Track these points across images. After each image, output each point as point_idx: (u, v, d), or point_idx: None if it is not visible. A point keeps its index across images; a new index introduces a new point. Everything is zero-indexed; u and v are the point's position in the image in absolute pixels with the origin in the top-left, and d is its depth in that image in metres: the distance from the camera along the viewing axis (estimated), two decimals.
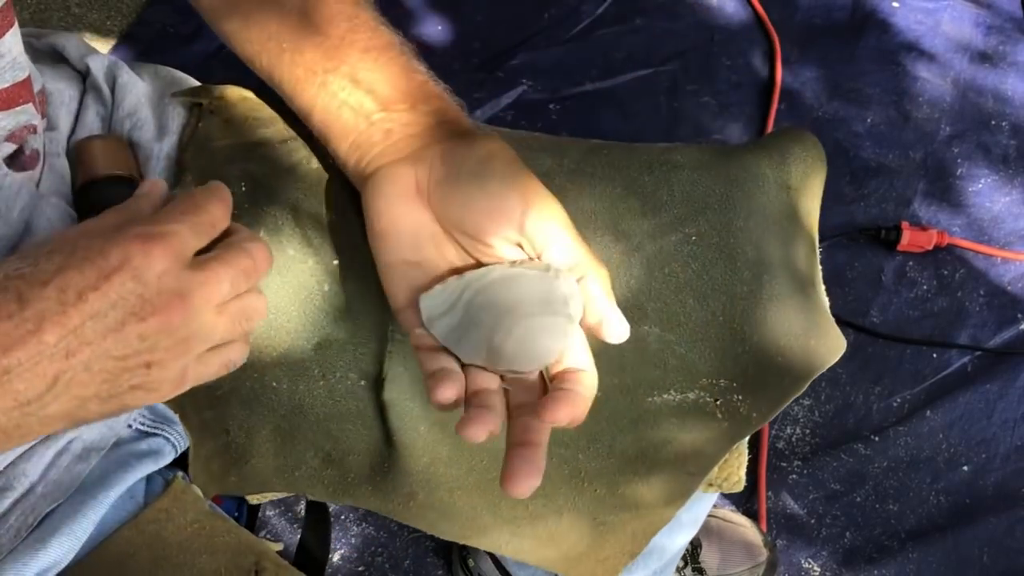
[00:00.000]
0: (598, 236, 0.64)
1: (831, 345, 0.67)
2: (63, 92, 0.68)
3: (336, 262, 0.64)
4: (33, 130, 0.60)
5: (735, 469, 0.71)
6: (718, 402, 0.64)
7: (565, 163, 0.67)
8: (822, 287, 0.70)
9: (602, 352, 0.60)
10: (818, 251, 0.71)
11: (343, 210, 0.65)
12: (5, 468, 0.58)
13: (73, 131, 0.68)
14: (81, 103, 0.69)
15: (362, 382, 0.63)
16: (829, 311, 0.69)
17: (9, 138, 0.58)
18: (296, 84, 0.64)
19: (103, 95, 0.69)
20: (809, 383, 0.66)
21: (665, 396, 0.64)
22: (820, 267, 0.70)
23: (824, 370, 0.67)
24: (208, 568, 0.62)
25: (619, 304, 0.59)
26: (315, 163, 0.66)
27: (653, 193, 0.66)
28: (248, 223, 0.64)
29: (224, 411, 0.64)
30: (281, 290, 0.63)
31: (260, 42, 0.65)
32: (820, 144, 0.70)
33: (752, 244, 0.65)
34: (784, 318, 0.65)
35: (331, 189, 0.66)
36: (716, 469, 0.70)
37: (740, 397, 0.64)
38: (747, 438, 0.69)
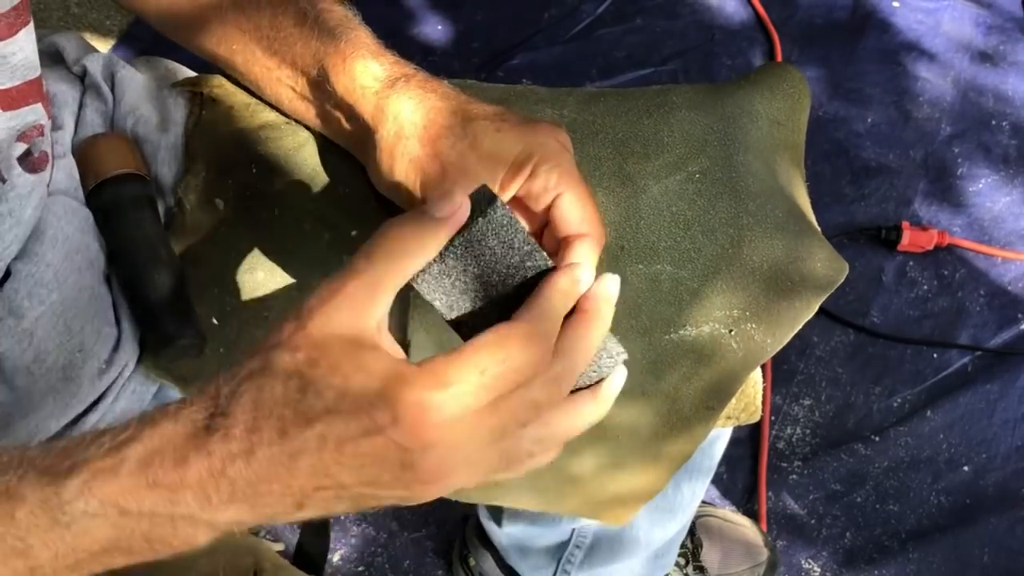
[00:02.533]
0: (604, 181, 0.66)
1: (835, 267, 0.69)
2: (65, 93, 0.68)
3: (354, 233, 0.65)
4: (41, 131, 0.60)
5: (752, 398, 0.72)
6: (732, 332, 0.66)
7: (566, 113, 0.69)
8: (812, 216, 0.73)
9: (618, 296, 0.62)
10: (805, 185, 0.74)
11: (356, 182, 0.67)
12: None
13: (76, 130, 0.68)
14: (81, 103, 0.69)
15: None
16: (825, 238, 0.71)
17: (19, 138, 0.58)
18: (258, 82, 0.67)
19: (102, 93, 0.69)
20: (819, 305, 0.68)
21: (681, 332, 0.66)
22: (813, 214, 0.73)
23: (832, 290, 0.69)
24: (207, 570, 0.62)
25: (631, 246, 0.65)
26: (323, 139, 0.68)
27: (654, 135, 0.68)
28: (263, 204, 0.66)
29: None
30: (300, 265, 0.65)
31: (212, 48, 0.67)
32: (805, 79, 0.73)
33: (753, 176, 0.68)
34: (790, 245, 0.67)
35: (342, 162, 0.67)
36: (733, 401, 0.71)
37: (753, 325, 0.66)
38: (759, 367, 0.70)
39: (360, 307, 0.43)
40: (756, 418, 0.73)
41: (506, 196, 0.57)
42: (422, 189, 0.57)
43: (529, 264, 0.48)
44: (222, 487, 0.41)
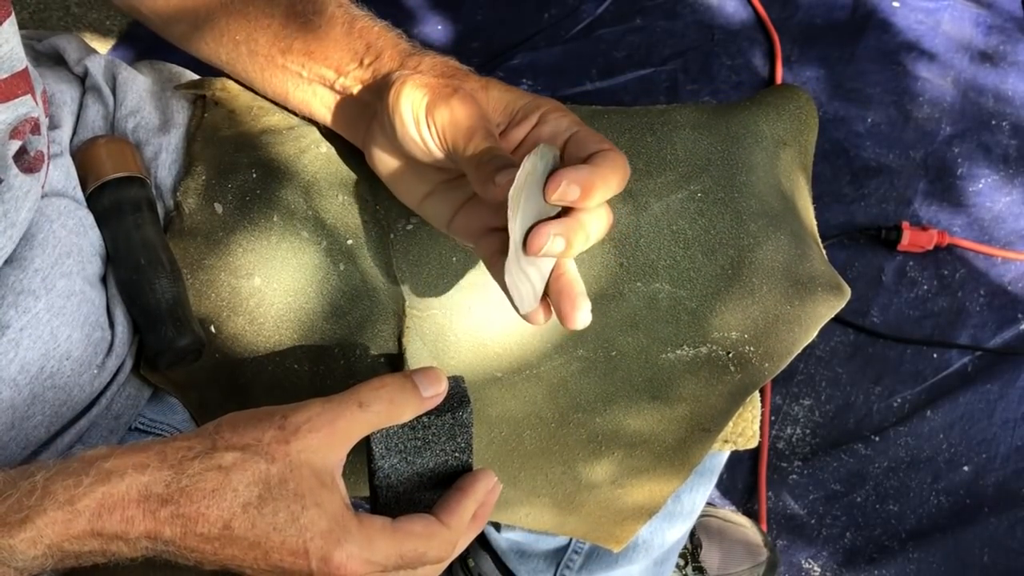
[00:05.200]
0: None
1: (837, 293, 0.69)
2: (64, 93, 0.68)
3: (350, 242, 0.65)
4: (35, 126, 0.60)
5: (749, 423, 0.72)
6: (730, 355, 0.66)
7: None
8: (819, 239, 0.72)
9: (615, 312, 0.62)
10: (812, 207, 0.73)
11: (354, 190, 0.67)
12: None
13: (75, 131, 0.68)
14: (81, 104, 0.69)
15: (381, 359, 0.65)
16: (829, 263, 0.71)
17: (13, 135, 0.58)
18: (262, 73, 0.66)
19: (103, 95, 0.69)
20: (819, 330, 0.68)
21: (679, 352, 0.66)
22: (816, 221, 0.73)
23: (832, 316, 0.68)
24: (204, 570, 0.62)
25: (630, 264, 0.65)
26: (324, 147, 0.68)
27: (657, 153, 0.68)
28: (262, 209, 0.65)
29: (246, 400, 0.64)
30: (297, 272, 0.65)
31: (214, 40, 0.67)
32: (812, 100, 0.73)
33: (756, 198, 0.67)
34: (791, 268, 0.67)
35: (341, 171, 0.67)
36: (730, 424, 0.71)
37: (752, 348, 0.66)
38: (758, 392, 0.70)
39: (338, 447, 0.50)
40: (753, 444, 0.73)
41: (511, 142, 0.58)
42: (428, 109, 0.56)
43: (456, 460, 0.57)
44: (152, 544, 0.47)
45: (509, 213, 0.51)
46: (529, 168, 0.51)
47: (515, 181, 0.50)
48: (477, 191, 0.54)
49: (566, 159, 0.55)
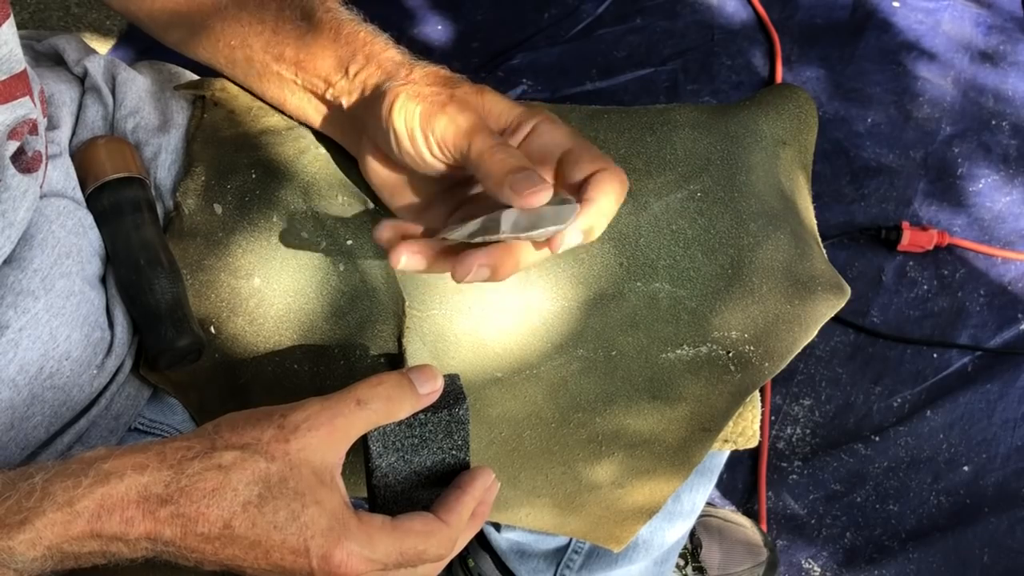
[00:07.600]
0: None
1: (837, 292, 0.69)
2: (64, 93, 0.68)
3: (350, 242, 0.65)
4: (33, 127, 0.60)
5: (749, 423, 0.72)
6: (730, 354, 0.66)
7: None
8: (819, 239, 0.72)
9: (615, 312, 0.62)
10: (812, 207, 0.73)
11: (354, 191, 0.67)
12: None
13: (75, 131, 0.68)
14: (81, 104, 0.69)
15: (381, 359, 0.65)
16: (829, 262, 0.71)
17: (11, 135, 0.58)
18: (259, 80, 0.66)
19: (103, 95, 0.69)
20: (818, 329, 0.68)
21: (679, 351, 0.66)
22: (816, 221, 0.73)
23: (831, 316, 0.68)
24: (204, 570, 0.62)
25: (630, 263, 0.65)
26: (323, 147, 0.68)
27: (656, 152, 0.68)
28: (261, 209, 0.65)
29: (246, 400, 0.64)
30: (297, 272, 0.65)
31: (211, 45, 0.67)
32: (812, 100, 0.73)
33: (755, 197, 0.67)
34: (791, 268, 0.67)
35: (341, 171, 0.67)
36: (731, 424, 0.71)
37: (752, 348, 0.66)
38: (758, 391, 0.70)
39: (337, 445, 0.51)
40: (753, 443, 0.73)
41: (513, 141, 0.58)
42: (424, 121, 0.56)
43: (453, 459, 0.57)
44: (152, 545, 0.47)
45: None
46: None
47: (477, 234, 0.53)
48: (488, 189, 0.54)
49: (560, 179, 0.55)
